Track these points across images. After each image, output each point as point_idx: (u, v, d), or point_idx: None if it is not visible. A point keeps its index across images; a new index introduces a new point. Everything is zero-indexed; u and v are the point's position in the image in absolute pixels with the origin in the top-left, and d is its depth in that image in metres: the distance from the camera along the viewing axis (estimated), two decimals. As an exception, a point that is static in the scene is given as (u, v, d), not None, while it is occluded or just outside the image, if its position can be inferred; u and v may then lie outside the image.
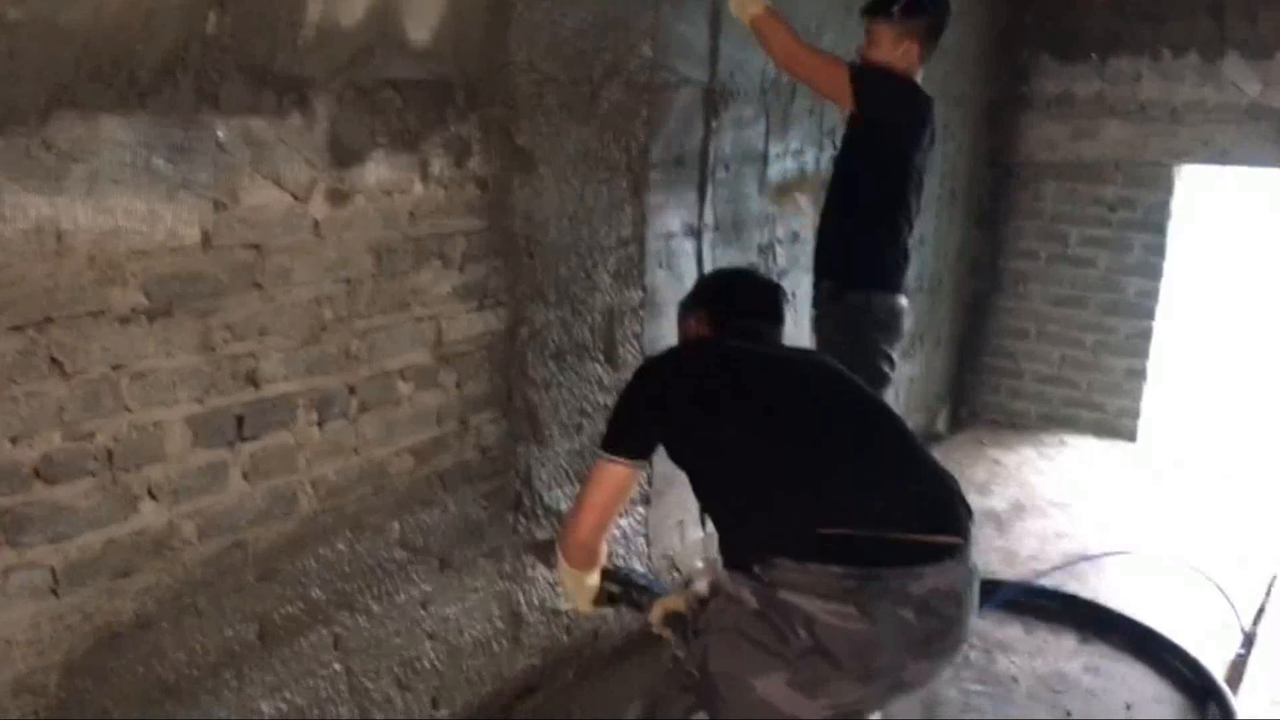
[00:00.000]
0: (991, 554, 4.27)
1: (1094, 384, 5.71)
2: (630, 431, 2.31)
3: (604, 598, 2.54)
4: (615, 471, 2.29)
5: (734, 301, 2.52)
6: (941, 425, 5.77)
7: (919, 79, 3.28)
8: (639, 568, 3.05)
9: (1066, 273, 5.67)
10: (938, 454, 5.28)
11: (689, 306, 2.59)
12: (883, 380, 3.36)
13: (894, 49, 3.20)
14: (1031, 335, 5.81)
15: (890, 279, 3.36)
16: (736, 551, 2.12)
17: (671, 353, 2.51)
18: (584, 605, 2.55)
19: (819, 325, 3.44)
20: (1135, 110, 5.36)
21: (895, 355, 3.42)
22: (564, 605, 2.79)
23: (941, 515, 2.06)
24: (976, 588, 2.08)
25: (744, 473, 2.15)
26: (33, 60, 1.75)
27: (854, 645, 1.95)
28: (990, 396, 5.95)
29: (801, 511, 2.02)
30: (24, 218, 1.77)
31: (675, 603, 2.39)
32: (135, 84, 1.89)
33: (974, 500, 4.93)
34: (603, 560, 2.48)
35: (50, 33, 1.76)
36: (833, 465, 2.10)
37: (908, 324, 3.46)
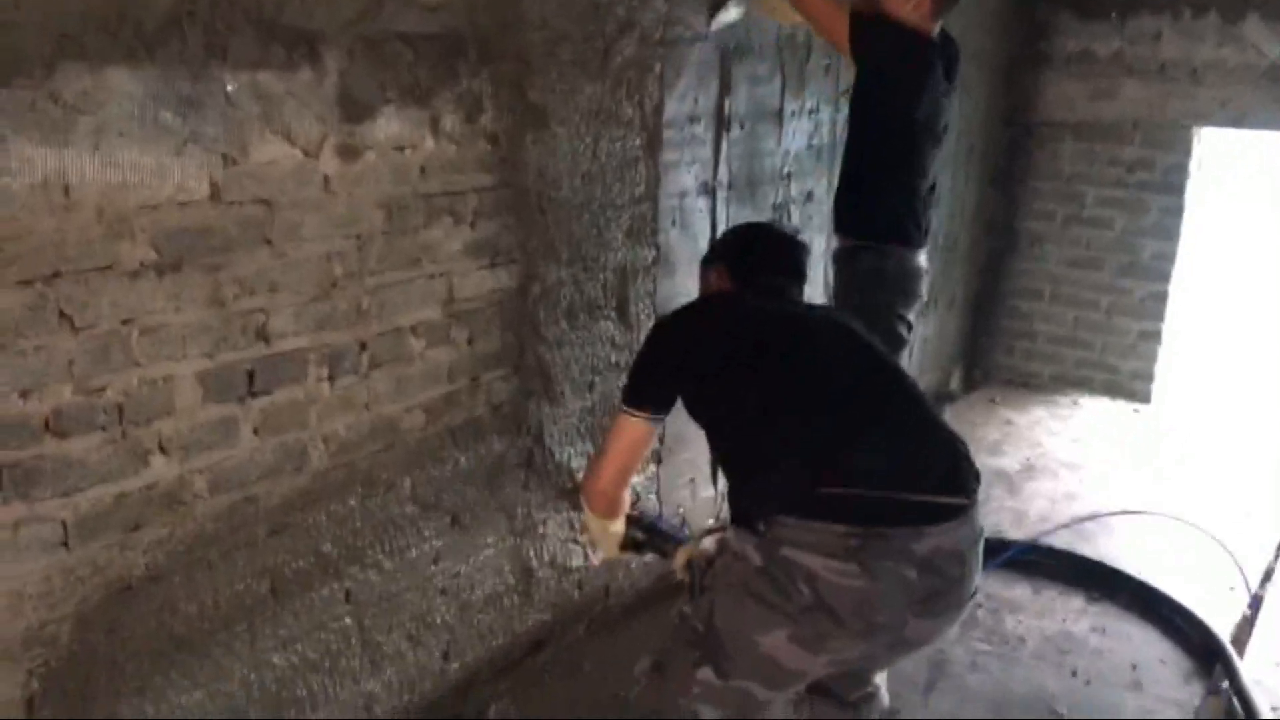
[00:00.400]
0: (1002, 514, 4.27)
1: (1108, 346, 5.68)
2: (649, 386, 2.34)
3: (630, 544, 2.62)
4: (635, 425, 2.33)
5: (756, 256, 2.51)
6: (955, 385, 5.76)
7: (934, 32, 3.21)
8: (665, 515, 3.10)
9: (1082, 234, 5.62)
10: (951, 413, 5.32)
11: (711, 259, 2.60)
12: (898, 342, 3.31)
13: (904, 1, 3.13)
14: (1046, 296, 5.77)
15: (903, 233, 3.27)
16: (743, 508, 2.15)
17: (692, 307, 2.50)
18: (610, 550, 2.65)
19: (836, 284, 3.41)
20: (1155, 70, 5.28)
21: (911, 317, 3.36)
22: (593, 558, 2.89)
23: (947, 476, 2.07)
24: (980, 548, 2.09)
25: (754, 430, 2.17)
26: (38, 10, 1.73)
27: (855, 602, 1.96)
28: (1004, 357, 5.93)
29: (807, 470, 2.04)
30: (31, 171, 1.76)
31: (699, 550, 2.45)
32: (142, 35, 1.87)
33: (985, 460, 4.94)
34: (625, 508, 2.56)
35: (56, -18, 1.74)
36: (841, 425, 2.11)
37: (925, 284, 3.41)
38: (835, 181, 3.46)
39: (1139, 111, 5.35)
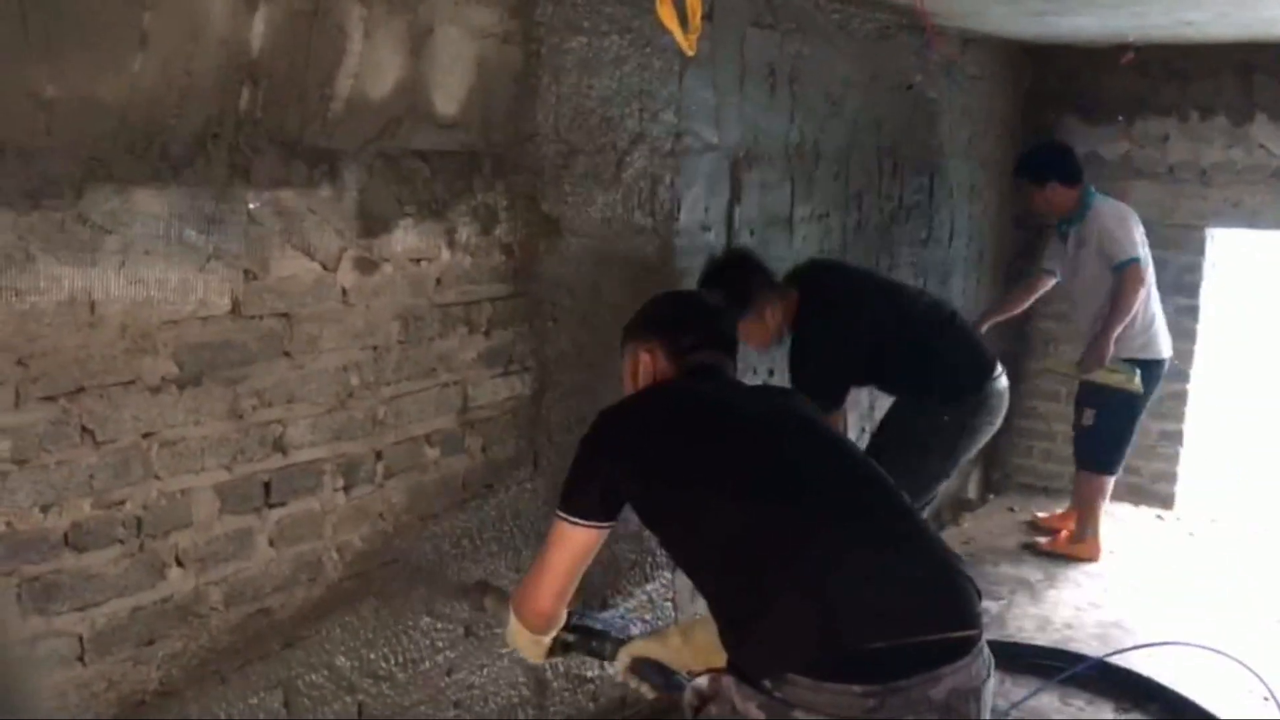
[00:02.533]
0: (1025, 620, 4.20)
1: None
2: (591, 491, 2.06)
3: (558, 648, 2.31)
4: (576, 534, 2.06)
5: (690, 330, 2.25)
6: (973, 490, 5.70)
7: (784, 293, 3.43)
8: (598, 612, 2.76)
9: (1097, 334, 5.62)
10: (969, 522, 5.24)
11: (637, 335, 2.30)
12: (953, 468, 3.59)
13: (764, 326, 3.33)
14: (1063, 397, 5.71)
15: (984, 369, 3.53)
16: (744, 659, 1.87)
17: (638, 399, 2.22)
18: (536, 659, 2.36)
19: (923, 403, 3.54)
20: (1164, 172, 5.35)
21: (983, 442, 3.62)
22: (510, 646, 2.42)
23: (956, 606, 1.89)
24: (992, 681, 1.92)
25: (737, 558, 1.91)
26: (69, 135, 1.79)
27: None
28: (1022, 459, 5.88)
29: (815, 618, 1.81)
30: (58, 289, 1.81)
31: (644, 647, 2.21)
32: (169, 157, 1.94)
33: (1006, 569, 4.85)
34: (561, 621, 2.26)
35: (87, 108, 1.81)
36: (839, 554, 1.87)
37: (1006, 403, 3.62)
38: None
39: (1150, 213, 5.37)
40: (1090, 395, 4.76)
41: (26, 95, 1.73)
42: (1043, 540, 5.00)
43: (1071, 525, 4.97)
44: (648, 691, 2.23)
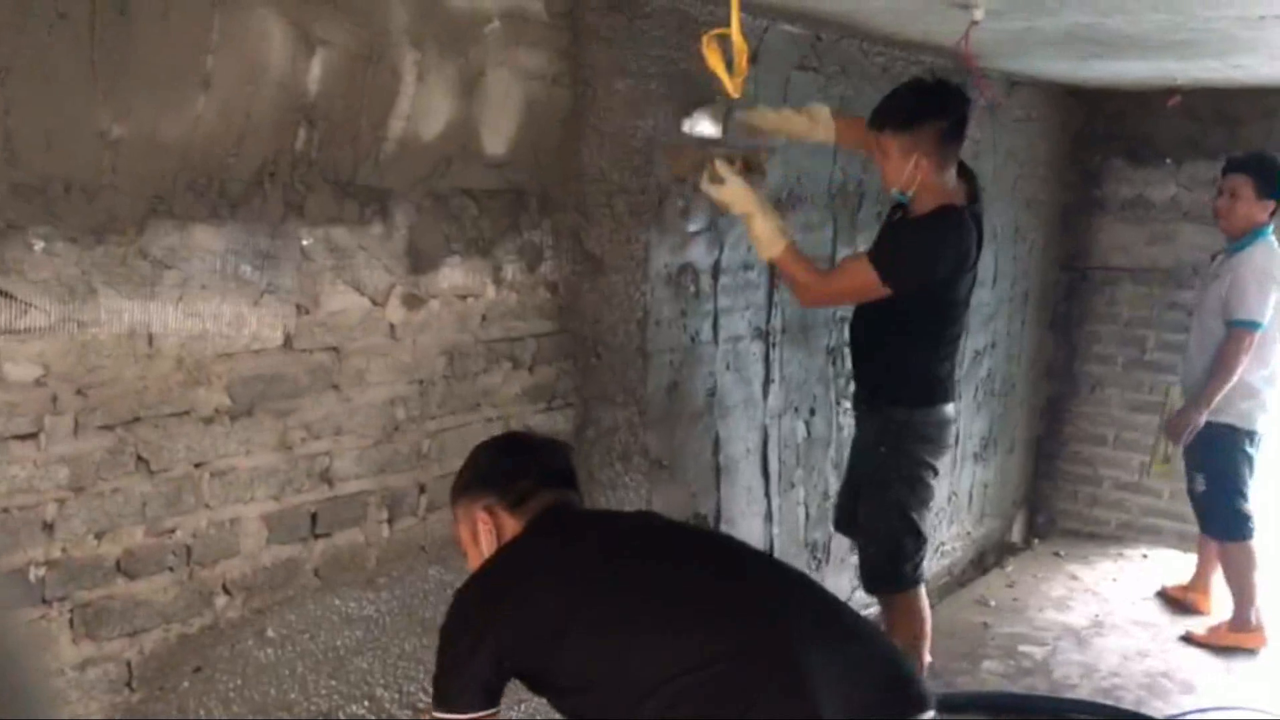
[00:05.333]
0: (1070, 667, 4.14)
1: (1176, 493, 5.51)
2: (476, 678, 1.82)
3: None
4: None
5: (520, 475, 2.00)
6: (1017, 534, 5.63)
7: (949, 180, 3.02)
8: None
9: (1145, 378, 5.55)
10: (1013, 566, 5.16)
11: (466, 496, 2.02)
12: (927, 493, 3.20)
13: (903, 162, 2.93)
14: (1110, 441, 5.68)
15: (939, 394, 3.19)
16: None
17: (497, 568, 1.93)
18: None
19: (861, 433, 3.27)
20: (1213, 215, 5.29)
21: (940, 466, 3.24)
22: None
23: (913, 687, 1.81)
24: None
25: (694, 692, 1.69)
26: (133, 173, 1.86)
27: None
28: (1068, 504, 5.80)
29: None
30: (118, 322, 1.87)
31: None
32: (227, 195, 2.00)
33: (1052, 615, 4.75)
34: None
35: (150, 148, 1.87)
36: (807, 661, 1.71)
37: (954, 432, 3.31)
38: (852, 339, 3.33)
39: (1198, 256, 5.33)
40: (1198, 458, 4.33)
41: (93, 135, 1.79)
42: (1199, 632, 4.42)
43: (1207, 599, 4.62)
44: None
